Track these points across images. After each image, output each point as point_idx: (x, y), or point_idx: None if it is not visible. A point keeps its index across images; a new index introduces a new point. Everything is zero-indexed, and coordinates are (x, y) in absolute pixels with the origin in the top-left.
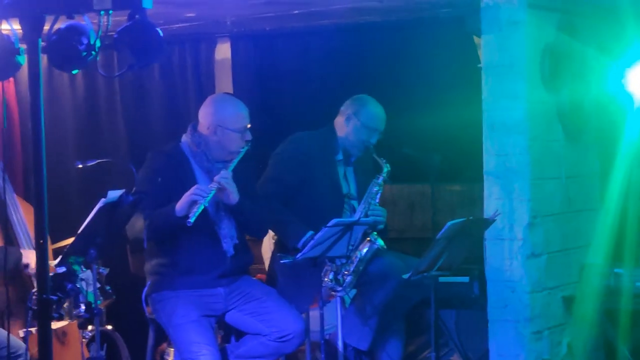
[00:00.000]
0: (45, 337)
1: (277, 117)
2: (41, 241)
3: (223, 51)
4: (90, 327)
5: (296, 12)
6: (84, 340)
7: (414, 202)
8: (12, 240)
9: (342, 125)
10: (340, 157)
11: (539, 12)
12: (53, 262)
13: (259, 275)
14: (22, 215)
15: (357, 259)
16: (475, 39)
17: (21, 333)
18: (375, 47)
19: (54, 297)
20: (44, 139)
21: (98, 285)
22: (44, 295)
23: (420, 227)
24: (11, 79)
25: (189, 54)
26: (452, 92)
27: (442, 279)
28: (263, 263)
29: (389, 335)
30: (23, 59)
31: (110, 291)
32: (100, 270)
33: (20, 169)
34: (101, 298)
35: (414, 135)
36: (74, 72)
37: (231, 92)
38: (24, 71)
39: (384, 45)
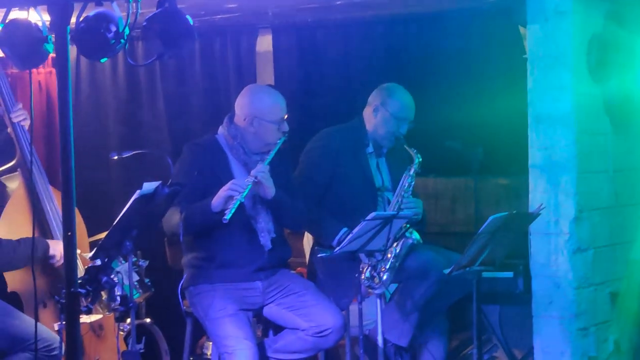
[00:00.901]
0: (73, 332)
1: (319, 109)
2: (69, 233)
3: (265, 43)
4: (128, 320)
5: (339, 2)
6: (121, 333)
7: (456, 196)
8: (45, 232)
9: (371, 117)
10: (371, 149)
11: (586, 2)
12: (88, 255)
13: (299, 268)
14: (57, 207)
15: (393, 256)
16: (521, 29)
17: (56, 326)
18: (418, 38)
19: (82, 291)
20: (72, 128)
21: (137, 278)
22: (72, 289)
23: (463, 222)
24: (52, 70)
25: (231, 45)
26: (497, 84)
27: (485, 274)
28: (304, 257)
29: (430, 331)
30: (51, 48)
31: (149, 284)
32: (140, 263)
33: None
34: (140, 291)
35: (457, 127)
36: (103, 60)
37: (272, 83)
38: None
39: (427, 37)
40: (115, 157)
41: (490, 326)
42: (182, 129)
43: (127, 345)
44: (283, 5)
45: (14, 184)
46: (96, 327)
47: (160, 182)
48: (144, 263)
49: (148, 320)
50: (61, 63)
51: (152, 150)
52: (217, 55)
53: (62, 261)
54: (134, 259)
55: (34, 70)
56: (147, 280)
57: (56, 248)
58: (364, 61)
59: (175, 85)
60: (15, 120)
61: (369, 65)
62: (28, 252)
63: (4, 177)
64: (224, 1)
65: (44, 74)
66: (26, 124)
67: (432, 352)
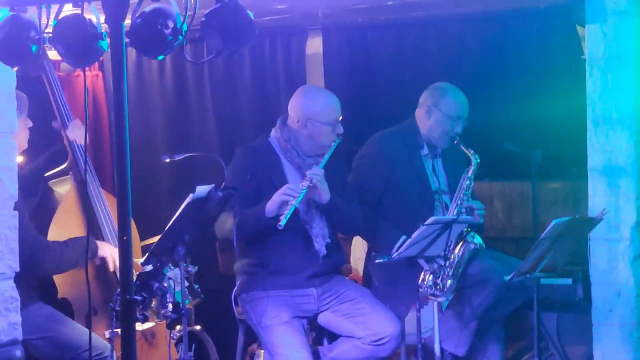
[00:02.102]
0: (129, 340)
1: (370, 112)
2: (125, 238)
3: (315, 45)
4: (178, 328)
5: (390, 3)
6: (172, 340)
7: (514, 201)
8: (97, 236)
9: (424, 119)
10: (426, 151)
11: None
12: (139, 260)
13: (351, 275)
14: (109, 211)
15: (456, 262)
16: (580, 29)
17: (107, 334)
18: (474, 39)
19: (139, 298)
20: (129, 130)
21: (187, 284)
22: (128, 296)
23: (520, 227)
24: (99, 73)
25: (280, 47)
26: (555, 85)
27: (543, 281)
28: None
29: (488, 340)
30: (106, 45)
31: (199, 290)
32: (190, 269)
33: (110, 164)
34: (190, 297)
35: (515, 130)
36: (160, 58)
37: (322, 86)
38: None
39: (482, 37)
40: (168, 160)
41: (547, 334)
42: (231, 132)
43: (178, 352)
44: (334, 6)
45: (63, 189)
46: (148, 335)
47: (213, 185)
48: (193, 269)
49: (198, 327)
50: (117, 61)
51: (205, 153)
52: (266, 57)
53: (113, 264)
54: (184, 265)
55: (82, 73)
56: (196, 286)
57: (106, 250)
58: (416, 62)
59: (224, 88)
60: (72, 139)
61: (422, 66)
62: (77, 253)
63: (52, 181)
64: (273, 2)
65: (91, 77)
66: (82, 141)
67: None
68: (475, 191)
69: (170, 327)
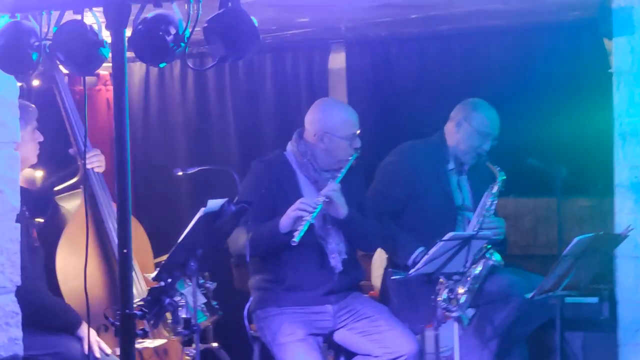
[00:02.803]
0: (128, 357)
1: (393, 126)
2: (124, 250)
3: (337, 59)
4: (194, 345)
5: (414, 16)
6: (187, 358)
7: (539, 217)
8: (108, 254)
9: (453, 132)
10: (452, 166)
11: None
12: (151, 275)
13: (371, 292)
14: None
15: (472, 277)
16: (606, 42)
17: (117, 351)
18: (498, 53)
19: (138, 313)
20: (129, 137)
21: (204, 300)
22: (127, 310)
23: (545, 244)
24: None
25: (302, 61)
26: (581, 99)
27: (568, 300)
28: (369, 278)
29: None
30: (107, 52)
31: (217, 307)
32: (207, 285)
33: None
34: (207, 314)
35: (540, 145)
36: (162, 65)
37: (345, 100)
38: (136, 80)
39: (506, 51)
40: (180, 173)
41: (573, 354)
42: (252, 147)
43: None
44: (356, 19)
45: (70, 204)
46: (161, 352)
47: (226, 199)
48: (211, 285)
49: (215, 344)
50: (118, 67)
51: (218, 166)
52: (288, 71)
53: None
54: (202, 281)
55: (103, 87)
56: (214, 303)
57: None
58: (440, 76)
59: (245, 101)
60: (88, 167)
61: (445, 80)
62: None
63: (58, 197)
64: (296, 15)
65: (113, 91)
66: (100, 170)
67: None
68: (499, 207)
69: (186, 344)
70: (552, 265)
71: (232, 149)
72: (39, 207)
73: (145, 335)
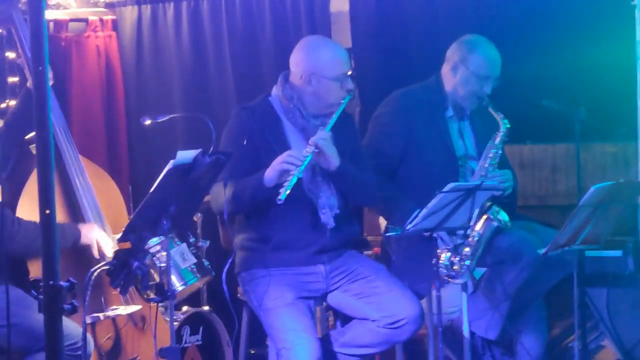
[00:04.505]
0: (54, 333)
1: (401, 72)
2: (47, 211)
3: (340, 1)
4: (185, 308)
5: None
6: (175, 323)
7: (557, 165)
8: (75, 213)
9: (449, 75)
10: (451, 113)
11: None
12: (116, 236)
13: (376, 249)
14: (89, 183)
15: (476, 240)
16: None
17: (89, 319)
18: None
19: (65, 284)
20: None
21: (195, 260)
22: (51, 282)
23: (565, 193)
24: (112, 33)
25: (303, 5)
26: (601, 34)
27: (589, 254)
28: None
29: (526, 322)
30: None
31: (209, 267)
32: (200, 244)
33: (124, 129)
34: (198, 275)
35: (555, 85)
36: None
37: (349, 44)
38: (127, 25)
39: None
40: (148, 122)
41: (596, 312)
42: (251, 92)
43: (182, 336)
44: None
45: None
46: (137, 319)
47: (200, 150)
48: (204, 244)
49: (206, 308)
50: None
51: (191, 113)
52: (288, 14)
53: (97, 251)
54: (192, 239)
55: (92, 33)
56: (207, 263)
57: (90, 235)
58: (451, 16)
59: (243, 45)
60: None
61: (455, 24)
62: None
63: (32, 145)
64: None
65: (103, 38)
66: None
67: (527, 345)
68: (515, 155)
69: (176, 308)
70: (567, 218)
71: (230, 95)
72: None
73: (73, 310)
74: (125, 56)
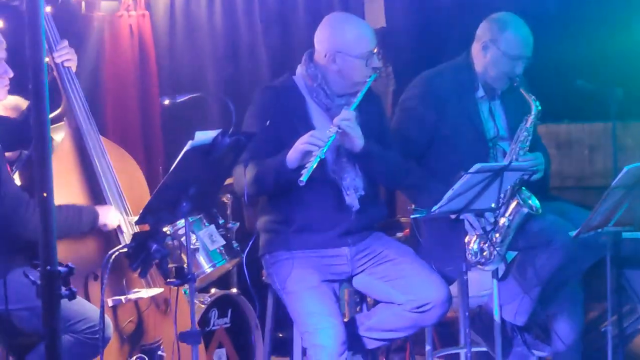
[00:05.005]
0: (51, 320)
1: (437, 51)
2: (44, 194)
3: None
4: (213, 291)
5: None
6: (202, 306)
7: (594, 145)
8: (97, 195)
9: (479, 55)
10: (481, 93)
11: None
12: (134, 218)
13: (407, 231)
14: (110, 165)
15: (506, 226)
16: None
17: (110, 302)
18: None
19: (63, 269)
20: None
21: (223, 242)
22: (48, 267)
23: (601, 173)
24: (145, 12)
25: None
26: (637, 10)
27: (626, 235)
28: None
29: (560, 306)
30: None
31: (237, 249)
32: (229, 225)
33: (157, 109)
34: (226, 257)
35: (590, 64)
36: None
37: (383, 22)
38: (160, 4)
39: None
40: (167, 102)
41: (635, 294)
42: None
43: (209, 319)
44: None
45: (60, 136)
46: (160, 302)
47: (219, 131)
48: (234, 226)
49: (234, 290)
50: None
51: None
52: None
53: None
54: (222, 221)
55: (125, 12)
56: (235, 245)
57: (108, 216)
58: None
59: (276, 27)
60: (58, 61)
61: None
62: (70, 222)
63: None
64: None
65: (136, 17)
66: (72, 65)
67: (561, 331)
68: (551, 135)
69: (203, 290)
70: (599, 199)
71: (262, 75)
72: (19, 138)
73: (72, 295)
74: (158, 36)
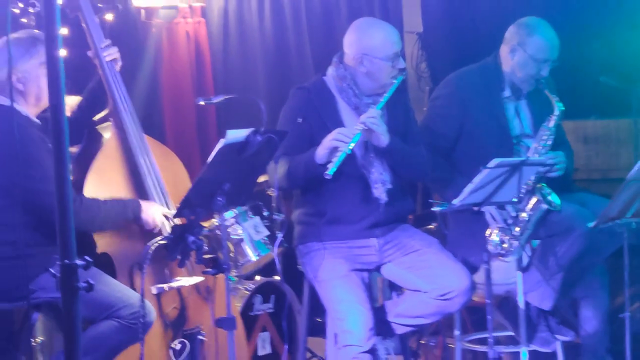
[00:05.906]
0: (70, 313)
1: (469, 56)
2: (62, 188)
3: None
4: (257, 279)
5: None
6: (246, 292)
7: (621, 139)
8: (141, 191)
9: (507, 57)
10: (508, 93)
11: None
12: (173, 212)
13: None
14: (154, 163)
15: (526, 220)
16: None
17: (154, 290)
18: None
19: (81, 262)
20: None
21: (268, 233)
22: (67, 260)
23: (627, 167)
24: (201, 19)
25: None
26: None
27: None
28: None
29: (585, 291)
30: None
31: (282, 239)
32: (274, 217)
33: (213, 111)
34: (271, 247)
35: (613, 61)
36: None
37: (420, 26)
38: (215, 12)
39: None
40: (202, 103)
41: None
42: None
43: (252, 305)
44: None
45: (108, 134)
46: (202, 290)
47: (252, 129)
48: (278, 217)
49: (277, 277)
50: None
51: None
52: (362, 0)
53: (157, 227)
54: (267, 213)
55: (182, 20)
56: (279, 235)
57: (149, 211)
58: (519, 3)
59: (321, 32)
60: (108, 59)
61: (525, 7)
62: (114, 215)
63: (99, 126)
64: None
65: (193, 24)
66: (117, 64)
67: (585, 317)
68: (579, 130)
69: (248, 278)
70: (616, 191)
71: (309, 77)
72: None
73: (90, 288)
74: (213, 42)
